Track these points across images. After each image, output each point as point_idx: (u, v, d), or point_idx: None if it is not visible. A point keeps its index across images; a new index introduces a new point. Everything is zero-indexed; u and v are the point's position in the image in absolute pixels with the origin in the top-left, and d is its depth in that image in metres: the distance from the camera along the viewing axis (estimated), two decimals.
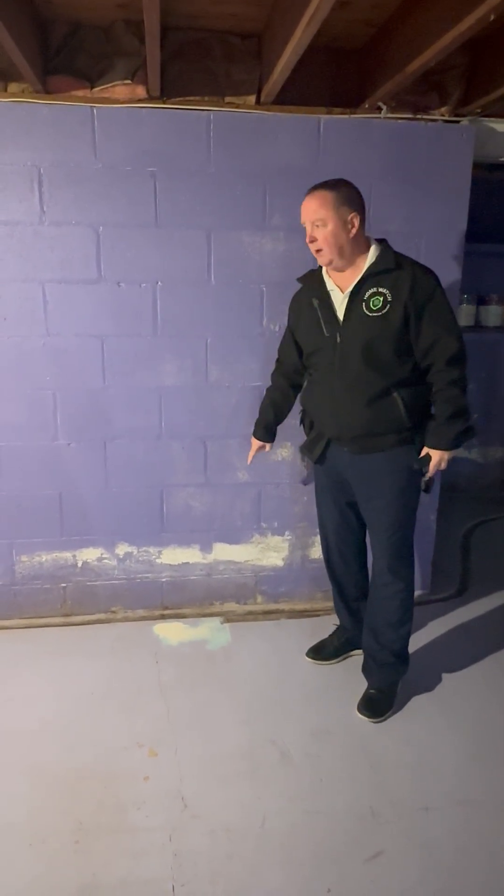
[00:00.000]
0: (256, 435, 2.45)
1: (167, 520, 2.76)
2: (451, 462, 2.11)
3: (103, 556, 2.76)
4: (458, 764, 2.05)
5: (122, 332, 2.54)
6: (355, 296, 2.01)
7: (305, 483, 2.78)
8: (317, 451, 2.26)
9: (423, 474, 2.12)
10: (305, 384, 2.31)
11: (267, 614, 2.86)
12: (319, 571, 2.75)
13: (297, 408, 2.41)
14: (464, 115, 2.56)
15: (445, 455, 2.06)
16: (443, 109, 2.55)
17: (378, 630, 2.26)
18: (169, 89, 2.38)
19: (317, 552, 2.84)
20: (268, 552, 2.87)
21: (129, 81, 2.35)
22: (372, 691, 2.30)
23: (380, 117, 2.48)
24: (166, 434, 2.67)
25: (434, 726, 2.21)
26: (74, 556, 2.74)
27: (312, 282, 2.16)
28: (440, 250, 2.62)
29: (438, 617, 2.88)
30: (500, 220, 4.13)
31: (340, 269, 2.04)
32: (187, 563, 2.82)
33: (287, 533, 2.86)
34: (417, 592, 2.98)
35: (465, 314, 4.06)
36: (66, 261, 2.46)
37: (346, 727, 2.20)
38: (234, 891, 1.63)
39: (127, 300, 2.51)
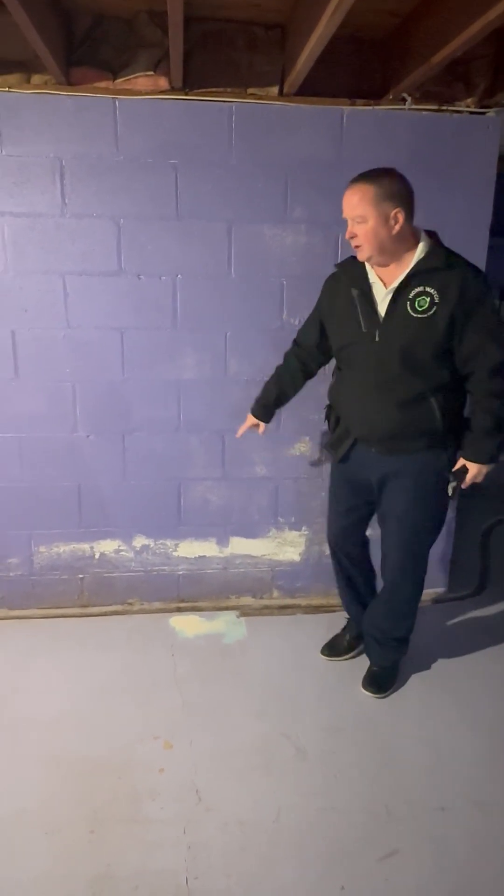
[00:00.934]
0: (254, 411, 2.37)
1: (184, 513, 2.77)
2: None
3: (121, 547, 2.77)
4: (475, 764, 2.03)
5: (141, 324, 2.54)
6: (400, 293, 1.92)
7: (314, 465, 2.75)
8: (342, 450, 2.19)
9: (453, 481, 2.06)
10: (334, 379, 2.26)
11: (283, 609, 2.85)
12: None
13: (318, 401, 2.39)
14: (490, 107, 2.51)
15: (483, 469, 2.01)
16: (468, 101, 2.50)
17: (382, 620, 2.28)
18: (191, 80, 2.37)
19: None
20: (284, 547, 2.86)
21: (151, 73, 2.34)
22: (375, 668, 2.35)
23: (404, 109, 2.45)
24: (184, 427, 2.67)
25: (452, 726, 2.19)
26: (92, 547, 2.76)
27: (353, 270, 2.04)
28: (464, 244, 2.56)
29: (457, 615, 2.85)
30: None
31: (383, 265, 1.96)
32: (204, 556, 2.83)
33: (304, 528, 2.85)
34: (437, 590, 2.96)
35: None
36: (87, 253, 2.46)
37: (361, 724, 2.19)
38: (247, 884, 1.63)
39: (147, 293, 2.51)
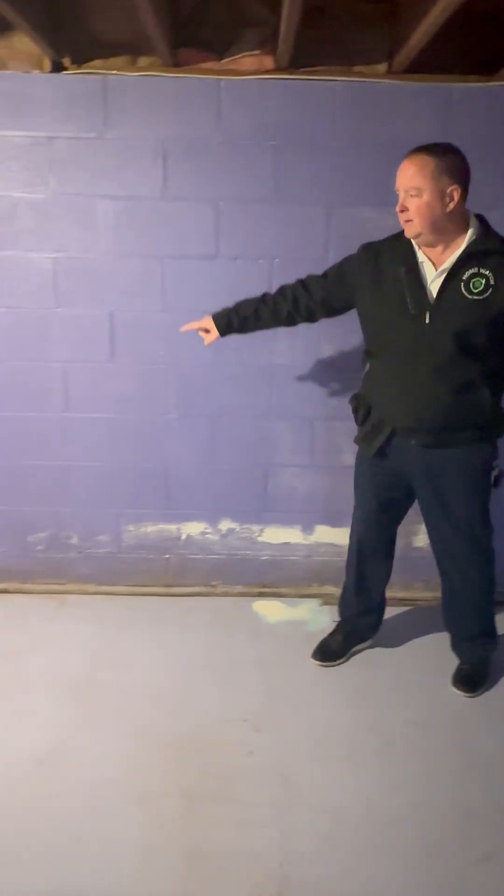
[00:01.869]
0: (216, 317, 2.17)
1: (270, 499, 2.76)
2: None
3: (206, 530, 2.80)
4: None
5: None
6: (453, 275, 1.85)
7: None
8: (376, 444, 2.07)
9: (495, 469, 2.02)
10: (368, 367, 2.13)
11: None
12: (421, 560, 2.68)
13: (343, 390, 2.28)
14: None
15: None
16: None
17: (462, 616, 2.23)
18: (296, 59, 2.32)
19: (421, 540, 2.76)
20: None
21: (256, 52, 2.31)
22: (465, 666, 2.28)
23: None
24: (274, 413, 2.66)
25: None
26: (179, 528, 2.79)
27: (398, 246, 1.94)
28: None
29: None
30: None
31: (430, 245, 1.89)
32: (288, 542, 2.82)
33: None
34: None
35: None
36: (184, 236, 2.47)
37: (450, 721, 2.14)
38: (338, 873, 1.62)
39: (243, 276, 2.49)
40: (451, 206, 1.80)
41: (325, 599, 2.80)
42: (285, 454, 2.71)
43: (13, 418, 2.64)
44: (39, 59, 2.33)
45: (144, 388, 2.63)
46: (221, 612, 2.71)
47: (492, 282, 1.82)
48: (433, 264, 1.90)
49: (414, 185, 1.79)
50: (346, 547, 2.85)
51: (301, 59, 2.33)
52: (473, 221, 1.88)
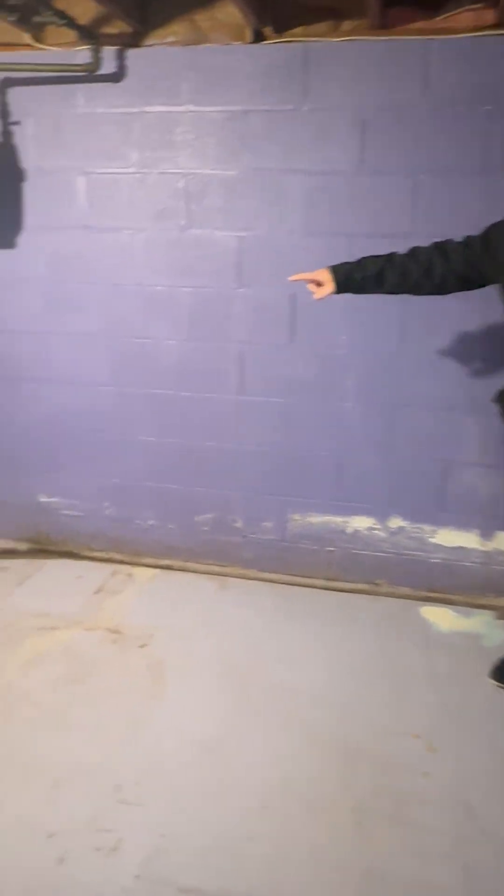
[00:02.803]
0: (335, 269, 1.90)
1: (447, 499, 2.56)
2: None
3: (374, 526, 2.66)
4: None
5: None
6: None
7: None
8: None
9: None
10: None
11: None
12: None
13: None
14: None
15: None
16: None
17: None
18: None
19: None
20: None
21: (477, 6, 2.08)
22: None
23: None
24: (460, 406, 2.45)
25: None
26: (345, 521, 2.68)
27: None
28: None
29: None
30: None
31: None
32: (463, 547, 2.61)
33: None
34: None
35: None
36: (378, 212, 2.31)
37: None
38: None
39: None
40: None
41: (501, 612, 2.57)
42: (470, 452, 2.49)
43: (190, 399, 2.65)
44: (241, 29, 2.26)
45: (323, 374, 2.52)
46: (388, 613, 2.57)
47: None
48: None
49: None
50: None
51: None
52: None
